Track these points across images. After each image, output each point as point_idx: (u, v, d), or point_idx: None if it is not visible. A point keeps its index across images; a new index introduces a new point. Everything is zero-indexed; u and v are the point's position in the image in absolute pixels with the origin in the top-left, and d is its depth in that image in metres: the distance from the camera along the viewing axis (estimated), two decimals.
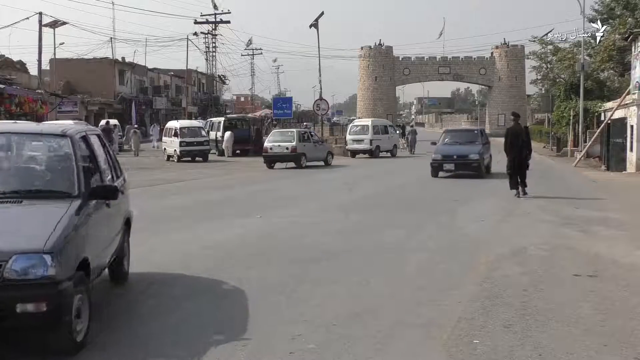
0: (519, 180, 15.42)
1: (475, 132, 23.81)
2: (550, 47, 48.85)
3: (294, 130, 30.33)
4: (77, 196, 5.34)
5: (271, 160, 26.74)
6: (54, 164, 5.76)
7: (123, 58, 59.74)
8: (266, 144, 27.51)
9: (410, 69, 79.06)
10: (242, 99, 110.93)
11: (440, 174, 20.80)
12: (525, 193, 15.29)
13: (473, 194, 16.52)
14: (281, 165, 26.59)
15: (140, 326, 5.69)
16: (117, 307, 6.28)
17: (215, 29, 66.57)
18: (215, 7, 63.46)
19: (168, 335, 5.44)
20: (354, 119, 56.78)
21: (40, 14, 40.96)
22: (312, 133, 30.91)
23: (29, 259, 4.53)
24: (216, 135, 35.65)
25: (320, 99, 41.84)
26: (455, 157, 20.76)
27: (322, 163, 27.82)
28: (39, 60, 41.41)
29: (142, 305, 6.46)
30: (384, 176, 22.88)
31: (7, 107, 32.86)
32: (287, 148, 26.51)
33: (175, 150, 31.09)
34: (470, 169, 20.61)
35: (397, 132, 41.60)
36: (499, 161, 19.59)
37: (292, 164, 26.60)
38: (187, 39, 60.77)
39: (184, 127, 32.21)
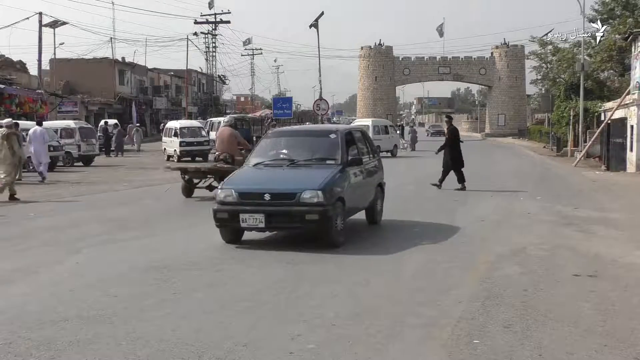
0: (458, 175, 16.99)
1: (332, 136, 10.25)
2: (550, 47, 48.89)
3: None
4: None
5: None
6: None
7: (123, 58, 59.85)
8: None
9: (410, 69, 79.01)
10: (242, 99, 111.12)
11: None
12: (463, 187, 16.75)
13: (473, 193, 16.51)
14: None
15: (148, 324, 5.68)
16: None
17: (215, 29, 66.69)
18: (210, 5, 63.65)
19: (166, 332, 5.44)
20: (354, 119, 56.84)
21: (40, 14, 41.05)
22: None
23: None
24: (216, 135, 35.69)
25: (320, 99, 41.90)
26: (268, 197, 8.84)
27: None
28: (39, 60, 41.52)
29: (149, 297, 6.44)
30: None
31: (7, 107, 32.95)
32: None
33: (175, 150, 31.15)
34: (303, 223, 8.87)
35: (397, 132, 41.73)
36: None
37: None
38: (187, 39, 60.93)
39: (184, 127, 32.32)
